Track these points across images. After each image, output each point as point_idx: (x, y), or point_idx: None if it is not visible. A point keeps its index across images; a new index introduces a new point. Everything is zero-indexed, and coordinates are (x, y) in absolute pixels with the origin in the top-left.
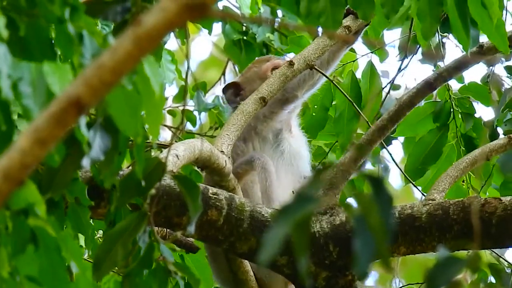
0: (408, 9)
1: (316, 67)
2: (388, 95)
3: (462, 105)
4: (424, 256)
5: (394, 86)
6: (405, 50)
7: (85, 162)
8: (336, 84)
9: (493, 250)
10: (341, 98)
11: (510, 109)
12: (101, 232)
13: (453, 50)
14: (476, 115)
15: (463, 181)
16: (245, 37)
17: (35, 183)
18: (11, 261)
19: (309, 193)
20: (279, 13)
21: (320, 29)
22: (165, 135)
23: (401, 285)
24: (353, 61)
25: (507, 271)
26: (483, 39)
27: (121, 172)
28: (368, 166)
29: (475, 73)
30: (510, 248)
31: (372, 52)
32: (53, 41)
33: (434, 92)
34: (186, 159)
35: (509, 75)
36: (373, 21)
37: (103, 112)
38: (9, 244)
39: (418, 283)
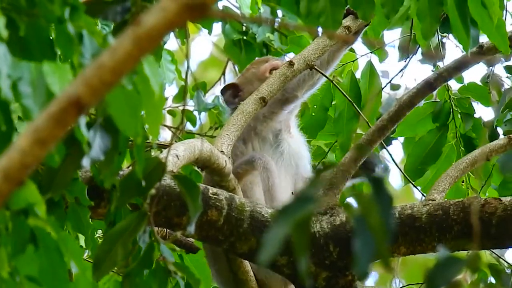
0: (408, 9)
1: (316, 67)
2: (388, 95)
3: (462, 106)
4: (424, 256)
5: (393, 86)
6: (407, 50)
7: (85, 162)
8: (336, 84)
9: (493, 250)
10: (341, 98)
11: (510, 109)
12: (99, 231)
13: (453, 50)
14: (476, 115)
15: (463, 182)
16: (245, 37)
17: (35, 183)
18: (11, 261)
19: (309, 193)
20: (279, 13)
21: (320, 29)
22: (165, 135)
23: (401, 285)
24: (353, 61)
25: (507, 271)
26: (483, 39)
27: (121, 172)
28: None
29: (475, 74)
30: (510, 249)
31: (371, 52)
32: (53, 41)
33: (434, 92)
34: (186, 159)
35: (509, 76)
36: (373, 21)
37: (103, 112)
38: (9, 244)
39: (418, 283)
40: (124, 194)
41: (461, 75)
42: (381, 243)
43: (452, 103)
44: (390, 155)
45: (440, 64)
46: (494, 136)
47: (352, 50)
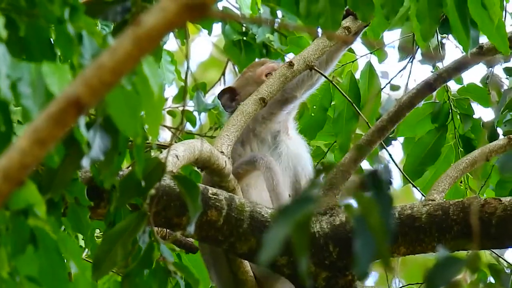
0: (408, 9)
1: (315, 68)
2: (388, 95)
3: (461, 106)
4: (424, 256)
5: (393, 87)
6: (409, 51)
7: (85, 162)
8: (336, 85)
9: (493, 250)
10: (340, 98)
11: (510, 109)
12: (97, 231)
13: (452, 50)
14: (475, 116)
15: (461, 182)
16: (245, 38)
17: (35, 183)
18: (11, 261)
19: (309, 194)
20: (279, 13)
21: (319, 30)
22: (165, 136)
23: (401, 285)
24: (352, 61)
25: (507, 271)
26: (483, 39)
27: (120, 173)
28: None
29: (474, 75)
30: (509, 249)
31: (371, 53)
32: (52, 42)
33: (433, 93)
34: (186, 160)
35: (508, 76)
36: (373, 22)
37: (103, 112)
38: (9, 244)
39: (418, 283)
40: (124, 194)
41: (460, 76)
42: (381, 243)
43: (451, 104)
44: (390, 155)
45: (439, 64)
46: (494, 136)
47: (351, 50)
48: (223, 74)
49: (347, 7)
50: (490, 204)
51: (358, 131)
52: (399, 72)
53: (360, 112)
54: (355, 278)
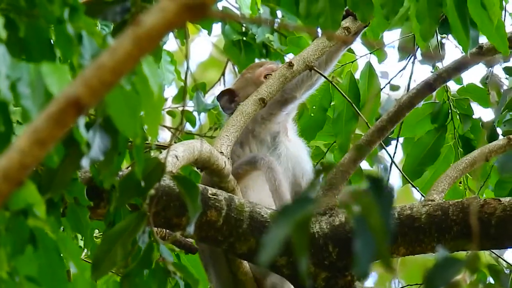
0: (407, 9)
1: (315, 68)
2: (387, 95)
3: (460, 107)
4: (423, 257)
5: (393, 87)
6: (409, 51)
7: (85, 163)
8: (335, 85)
9: (492, 251)
10: (340, 98)
11: (509, 109)
12: (96, 231)
13: (452, 50)
14: (474, 117)
15: (460, 183)
16: (244, 38)
17: (34, 183)
18: (10, 262)
19: (309, 194)
20: (279, 13)
21: (319, 30)
22: (165, 136)
23: (400, 286)
24: (352, 62)
25: (506, 272)
26: (483, 39)
27: (120, 173)
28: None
29: (474, 75)
30: (509, 249)
31: (371, 53)
32: (52, 42)
33: (433, 93)
34: (186, 160)
35: (507, 76)
36: (372, 22)
37: (103, 113)
38: (8, 245)
39: (417, 284)
40: (124, 194)
41: (460, 76)
42: (381, 244)
43: (451, 104)
44: (389, 155)
45: (439, 65)
46: (493, 136)
47: (351, 51)
48: (223, 74)
49: (347, 7)
50: (489, 204)
51: (357, 131)
52: (399, 72)
53: (359, 113)
54: (355, 279)
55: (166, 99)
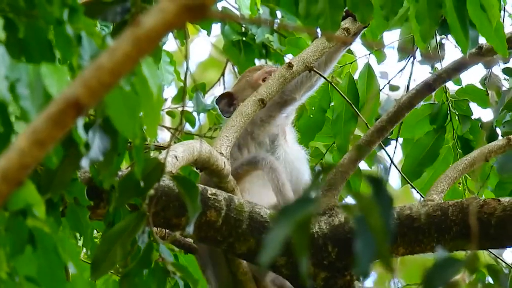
0: (407, 10)
1: (314, 69)
2: (387, 96)
3: (459, 107)
4: (423, 256)
5: (392, 87)
6: (409, 51)
7: (84, 163)
8: (335, 86)
9: (491, 250)
10: (339, 99)
11: (509, 110)
12: (95, 232)
13: (452, 50)
14: (474, 117)
15: (459, 183)
16: (244, 38)
17: (34, 183)
18: (9, 262)
19: (309, 195)
20: (278, 14)
21: (319, 31)
22: (164, 136)
23: (400, 286)
24: (351, 62)
25: (505, 272)
26: (482, 40)
27: (120, 173)
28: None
29: (473, 75)
30: (508, 249)
31: (370, 53)
32: (52, 43)
33: (432, 94)
34: (185, 160)
35: (506, 78)
36: (372, 23)
37: (102, 113)
38: (8, 245)
39: (417, 284)
40: (123, 194)
41: (459, 77)
42: (381, 243)
43: (450, 105)
44: (389, 156)
45: (439, 65)
46: (493, 137)
47: (350, 51)
48: (223, 74)
49: (346, 8)
50: (489, 204)
51: (357, 132)
52: (398, 73)
53: (359, 113)
54: (354, 279)
55: (165, 100)
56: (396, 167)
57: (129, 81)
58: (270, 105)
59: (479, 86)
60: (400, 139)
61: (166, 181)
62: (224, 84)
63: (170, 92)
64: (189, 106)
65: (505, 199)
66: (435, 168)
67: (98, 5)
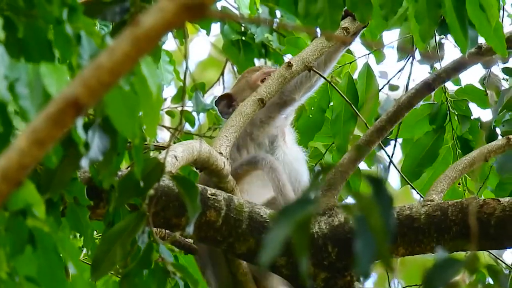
0: (406, 10)
1: (314, 69)
2: (387, 95)
3: (459, 107)
4: (423, 257)
5: (392, 87)
6: (408, 51)
7: (84, 163)
8: (334, 85)
9: (491, 251)
10: (338, 99)
11: (508, 110)
12: (95, 232)
13: (451, 50)
14: (473, 117)
15: (459, 184)
16: (243, 38)
17: (34, 183)
18: (9, 262)
19: (309, 195)
20: (278, 13)
21: (318, 30)
22: (164, 136)
23: (400, 286)
24: (350, 62)
25: (505, 272)
26: (481, 40)
27: (119, 173)
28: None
29: (472, 75)
30: (508, 249)
31: (370, 53)
32: (51, 42)
33: (431, 94)
34: (185, 160)
35: (506, 77)
36: (371, 23)
37: (102, 113)
38: (7, 245)
39: (417, 285)
40: (123, 194)
41: (458, 77)
42: (381, 244)
43: (449, 105)
44: (388, 156)
45: (438, 65)
46: (492, 137)
47: (349, 51)
48: (222, 74)
49: (346, 7)
50: (489, 204)
51: (357, 131)
52: (398, 72)
53: (358, 113)
54: (354, 279)
55: (165, 99)
56: (395, 167)
57: (128, 81)
58: (270, 106)
59: (479, 86)
60: (400, 139)
61: (166, 181)
62: (223, 83)
63: (169, 91)
64: (189, 105)
65: (504, 199)
66: (435, 168)
67: (97, 4)
